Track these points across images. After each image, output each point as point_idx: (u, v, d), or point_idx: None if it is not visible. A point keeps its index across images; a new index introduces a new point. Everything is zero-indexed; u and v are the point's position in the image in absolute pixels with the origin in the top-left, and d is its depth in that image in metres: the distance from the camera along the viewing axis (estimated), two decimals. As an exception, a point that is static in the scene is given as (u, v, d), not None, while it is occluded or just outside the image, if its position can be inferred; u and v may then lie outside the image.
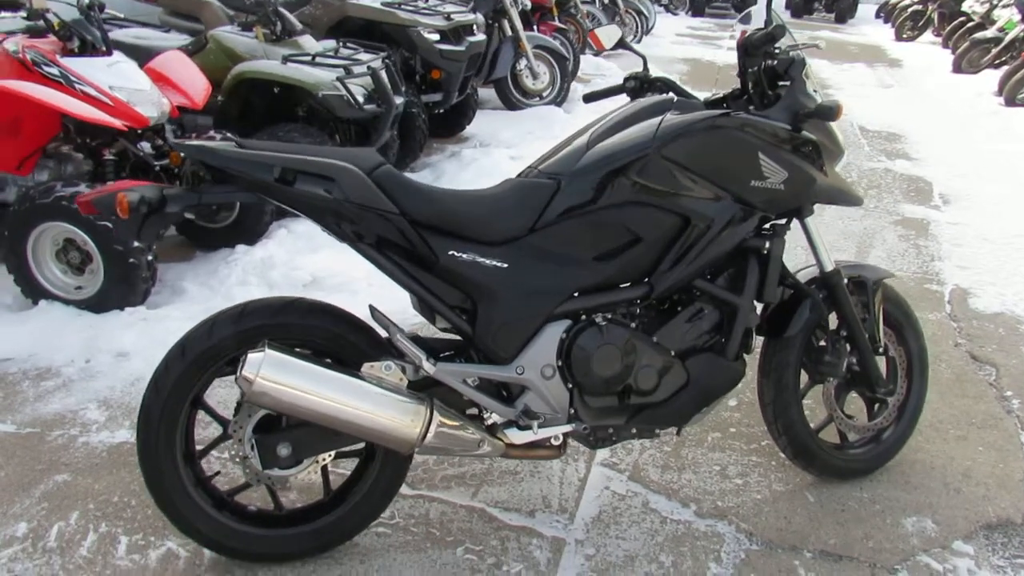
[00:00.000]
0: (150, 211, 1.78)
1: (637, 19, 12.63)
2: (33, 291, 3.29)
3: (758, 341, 2.28)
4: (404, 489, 2.34)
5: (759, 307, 2.20)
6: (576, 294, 2.00)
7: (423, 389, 1.94)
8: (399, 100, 4.63)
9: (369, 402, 1.80)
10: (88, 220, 3.09)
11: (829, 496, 2.41)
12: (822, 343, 2.32)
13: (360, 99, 4.33)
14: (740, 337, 2.11)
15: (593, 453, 2.56)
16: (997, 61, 10.68)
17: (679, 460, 2.56)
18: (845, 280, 2.29)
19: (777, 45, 2.11)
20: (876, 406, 2.49)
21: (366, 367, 1.87)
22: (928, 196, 5.68)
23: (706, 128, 1.98)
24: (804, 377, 2.37)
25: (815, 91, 2.14)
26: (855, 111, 8.50)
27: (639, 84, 2.40)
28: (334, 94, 4.21)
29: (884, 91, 10.09)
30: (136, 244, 3.15)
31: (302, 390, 1.75)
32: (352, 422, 1.79)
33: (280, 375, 1.74)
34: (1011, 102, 8.82)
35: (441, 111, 6.15)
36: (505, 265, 1.94)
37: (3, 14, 3.73)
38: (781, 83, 2.18)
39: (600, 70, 9.90)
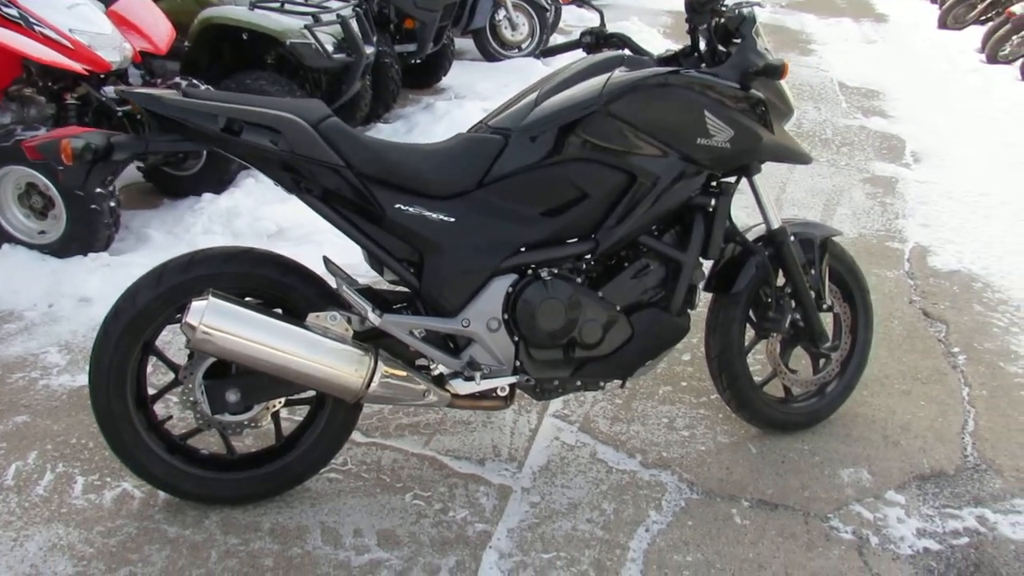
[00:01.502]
0: (95, 158, 1.78)
1: (623, -31, 12.42)
2: (-4, 236, 3.30)
3: (705, 297, 2.34)
4: (357, 437, 2.41)
5: (707, 264, 2.24)
6: (523, 249, 2.04)
7: (370, 340, 1.99)
8: (370, 50, 4.58)
9: (312, 351, 1.84)
10: (48, 165, 3.08)
11: (771, 448, 2.49)
12: (768, 299, 2.37)
13: (329, 48, 4.29)
14: (684, 293, 2.16)
15: (546, 405, 2.63)
16: (983, 17, 10.63)
17: (629, 412, 2.63)
18: (791, 238, 2.34)
19: (724, 2, 2.12)
20: (820, 361, 2.56)
21: (311, 317, 1.91)
22: (900, 154, 5.71)
23: (653, 85, 2.00)
24: (751, 333, 2.44)
25: (765, 49, 2.15)
26: (836, 67, 8.48)
27: (595, 40, 2.40)
28: (302, 42, 4.17)
29: (867, 47, 10.04)
30: (98, 190, 3.15)
31: (245, 338, 1.79)
32: (295, 370, 1.84)
33: (223, 323, 1.77)
34: (992, 59, 8.82)
35: (416, 62, 6.10)
36: (452, 219, 1.97)
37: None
38: (735, 40, 2.20)
39: (584, 21, 9.77)
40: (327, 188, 1.90)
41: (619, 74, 2.04)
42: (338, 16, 4.38)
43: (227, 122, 1.81)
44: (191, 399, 1.96)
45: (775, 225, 2.31)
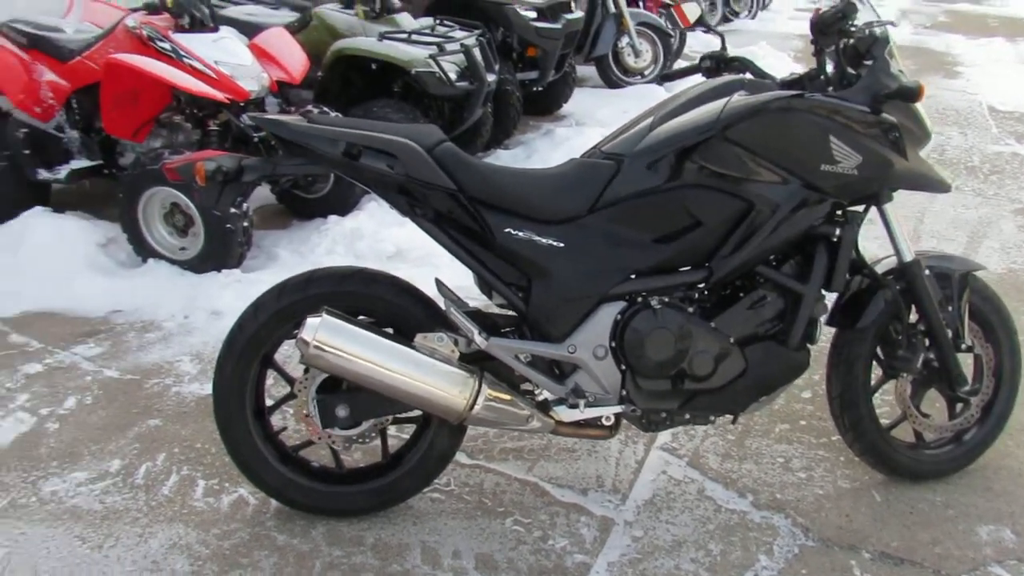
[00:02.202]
0: (226, 179, 1.89)
1: (754, -6, 12.18)
2: (143, 250, 3.56)
3: (828, 332, 2.21)
4: (462, 458, 2.42)
5: (830, 297, 2.13)
6: (633, 276, 2.00)
7: (476, 363, 2.00)
8: (491, 77, 4.67)
9: (418, 371, 1.87)
10: (188, 186, 3.31)
11: (898, 497, 2.32)
12: (898, 337, 2.22)
13: (452, 76, 4.40)
14: (803, 326, 2.05)
15: (654, 437, 2.56)
16: None
17: (742, 450, 2.52)
18: (926, 271, 2.18)
19: (852, 23, 2.02)
20: (957, 406, 2.37)
21: (419, 338, 1.94)
22: (1057, 186, 5.27)
23: (773, 110, 1.93)
24: (879, 372, 2.29)
25: (900, 71, 2.04)
26: (986, 90, 7.95)
27: (715, 64, 2.34)
28: (427, 71, 4.30)
29: (1023, 68, 9.36)
30: (233, 211, 3.35)
31: (354, 355, 1.83)
32: (401, 389, 1.87)
33: (334, 340, 1.83)
34: None
35: (538, 89, 6.16)
36: (561, 244, 1.96)
37: (123, -8, 4.00)
38: (865, 62, 2.09)
39: (709, 47, 9.59)
40: (439, 211, 1.93)
41: (738, 98, 1.98)
42: (462, 45, 4.50)
43: (346, 147, 1.88)
44: (304, 412, 2.03)
45: (908, 258, 2.17)
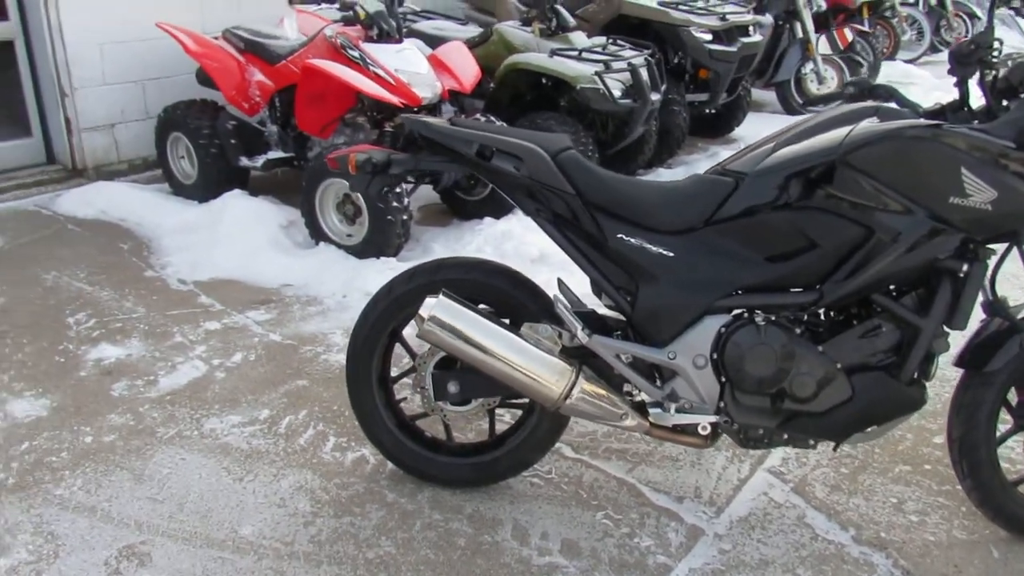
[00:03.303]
0: (375, 171, 2.14)
1: (968, 22, 11.34)
2: (317, 233, 3.97)
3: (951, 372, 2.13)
4: (566, 451, 2.54)
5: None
6: (740, 291, 2.04)
7: (579, 358, 2.11)
8: (655, 97, 4.75)
9: (519, 356, 2.02)
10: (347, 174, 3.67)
11: (1019, 557, 2.18)
12: (1033, 386, 2.10)
13: (616, 93, 4.53)
14: (918, 361, 2.00)
15: (761, 458, 2.55)
16: None
17: (853, 484, 2.45)
18: (1070, 320, 2.05)
19: (992, 54, 1.95)
20: (1100, 470, 2.19)
21: (525, 327, 2.09)
22: None
23: (899, 138, 1.90)
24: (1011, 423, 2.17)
25: (1053, 107, 1.94)
26: None
27: (859, 91, 2.32)
28: (591, 87, 4.46)
29: None
30: (395, 204, 3.67)
31: (462, 334, 2.01)
32: (502, 370, 2.02)
33: (446, 317, 2.02)
34: None
35: (710, 112, 6.14)
36: (672, 254, 2.04)
37: (323, 5, 4.46)
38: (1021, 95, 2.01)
39: (909, 77, 9.10)
40: (557, 213, 2.07)
41: (866, 125, 1.97)
42: (629, 64, 4.62)
43: (479, 148, 2.07)
44: (421, 385, 2.24)
45: (1046, 302, 2.05)
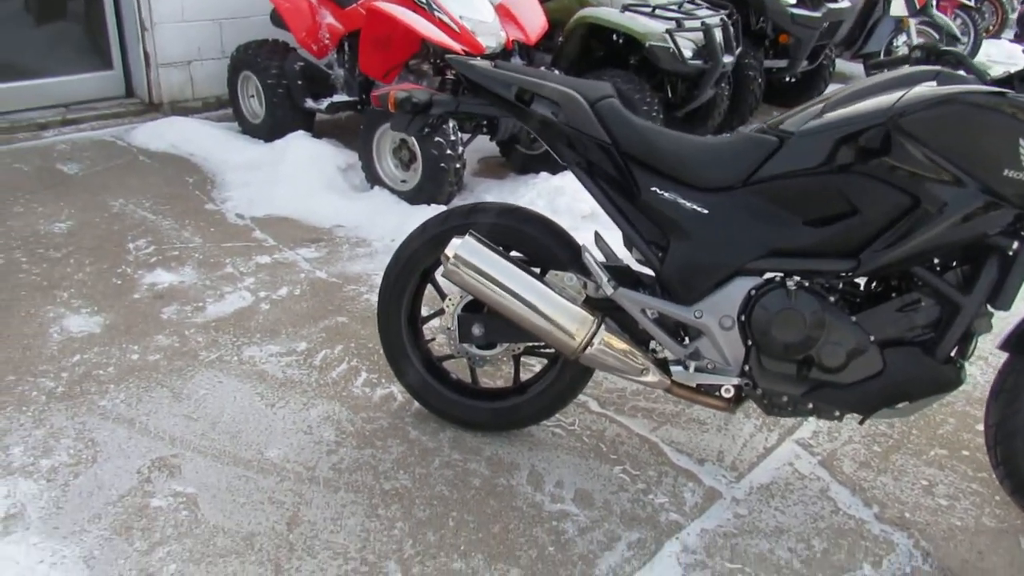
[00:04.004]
0: (415, 110, 2.15)
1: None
2: (372, 178, 4.03)
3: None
4: (592, 405, 2.55)
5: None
6: (774, 254, 1.99)
7: (605, 311, 2.10)
8: (728, 59, 4.61)
9: (541, 301, 2.01)
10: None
11: (1049, 549, 2.10)
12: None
13: (687, 53, 4.41)
14: (955, 340, 1.92)
15: (791, 429, 2.50)
16: None
17: (884, 462, 2.39)
18: None
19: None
20: None
21: (550, 274, 2.08)
22: None
23: (956, 103, 1.81)
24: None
25: None
26: None
27: (925, 56, 2.21)
28: (660, 45, 4.36)
29: None
30: (449, 152, 3.68)
31: (485, 275, 2.02)
32: (522, 315, 2.02)
33: (471, 258, 2.02)
34: None
35: (789, 79, 5.93)
36: (706, 211, 2.00)
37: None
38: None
39: (1012, 58, 8.58)
40: (591, 161, 2.05)
41: (921, 89, 1.88)
42: (703, 24, 4.48)
43: (518, 92, 2.05)
44: (447, 326, 2.26)
45: (1103, 286, 1.93)
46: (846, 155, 1.89)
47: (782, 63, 5.65)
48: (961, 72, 2.06)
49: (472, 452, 2.30)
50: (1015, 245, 1.87)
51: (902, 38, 6.86)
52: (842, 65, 7.16)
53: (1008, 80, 2.00)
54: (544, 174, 4.22)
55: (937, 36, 6.94)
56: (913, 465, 2.39)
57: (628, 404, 2.58)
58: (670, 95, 4.95)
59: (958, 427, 2.56)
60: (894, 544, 2.09)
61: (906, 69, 2.00)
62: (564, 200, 3.90)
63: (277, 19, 4.66)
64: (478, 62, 2.15)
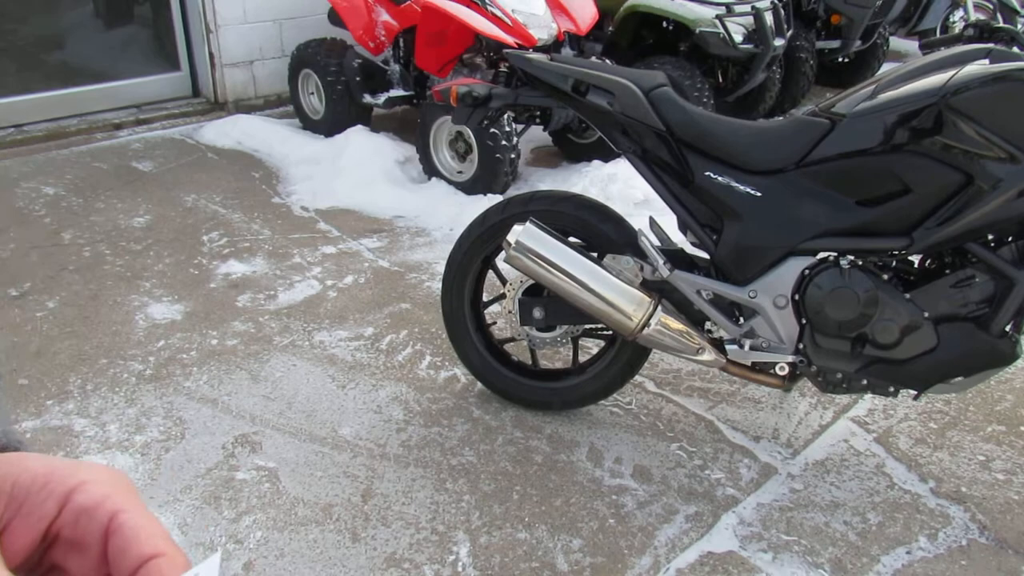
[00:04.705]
0: (475, 103, 2.25)
1: None
2: (430, 169, 4.15)
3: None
4: (649, 386, 2.62)
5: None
6: (828, 234, 2.04)
7: (661, 292, 2.17)
8: (779, 42, 4.60)
9: (599, 284, 2.10)
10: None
11: (1110, 524, 2.11)
12: None
13: (737, 38, 4.42)
14: (1011, 315, 1.95)
15: (846, 406, 2.55)
16: None
17: (940, 439, 2.42)
18: None
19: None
20: None
21: (608, 258, 2.17)
22: None
23: (1007, 80, 1.83)
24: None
25: None
26: None
27: (979, 33, 2.23)
28: (711, 31, 4.37)
29: None
30: (504, 143, 3.77)
31: (545, 259, 2.11)
32: (581, 297, 2.11)
33: (531, 244, 2.12)
34: None
35: (842, 60, 5.87)
36: (759, 194, 2.06)
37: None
38: None
39: (1079, 28, 8.26)
40: (646, 148, 2.12)
41: (974, 67, 1.90)
42: (752, 8, 4.48)
43: (574, 83, 2.14)
44: (508, 310, 2.37)
45: None
46: (898, 135, 1.93)
47: (835, 44, 5.59)
48: (1015, 49, 2.08)
49: (533, 430, 2.40)
50: (1070, 220, 1.89)
51: (959, 13, 6.70)
52: (896, 43, 7.02)
53: (1066, 56, 2.01)
54: (596, 162, 4.29)
55: (994, 8, 6.76)
56: (970, 441, 2.41)
57: (684, 384, 2.65)
58: (721, 80, 4.97)
59: (1016, 403, 2.57)
60: (950, 517, 2.13)
61: (958, 48, 2.02)
62: (616, 187, 3.96)
63: (335, 18, 4.81)
64: (534, 55, 2.24)
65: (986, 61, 1.94)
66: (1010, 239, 1.97)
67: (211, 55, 5.29)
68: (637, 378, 2.60)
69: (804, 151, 2.03)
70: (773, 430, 2.44)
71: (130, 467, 2.22)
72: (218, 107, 5.37)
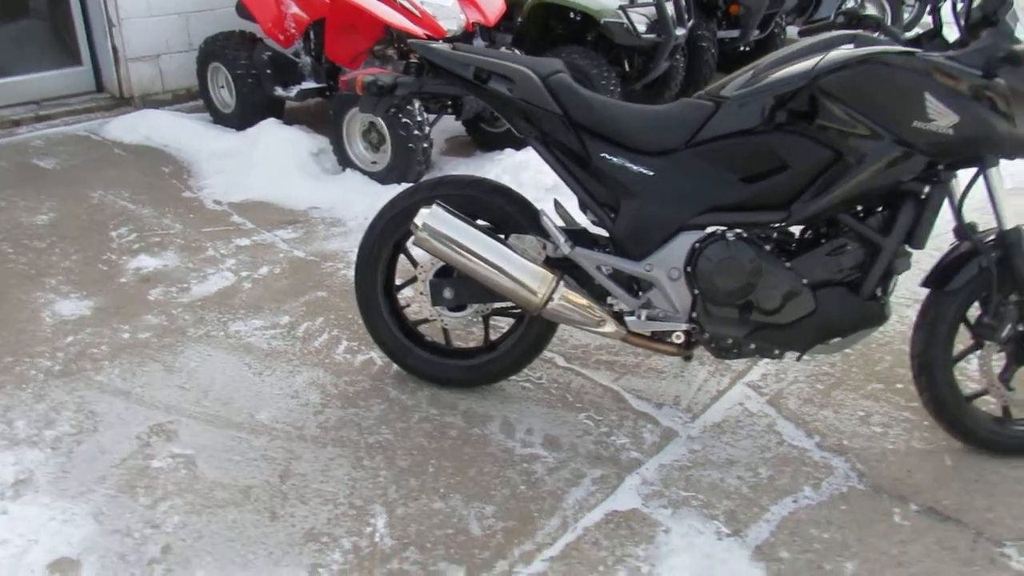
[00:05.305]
0: (381, 92, 2.31)
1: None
2: (343, 160, 4.18)
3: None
4: (559, 360, 2.74)
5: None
6: (715, 210, 2.18)
7: (564, 269, 2.29)
8: (680, 32, 4.79)
9: (504, 262, 2.20)
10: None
11: (970, 465, 2.32)
12: (987, 305, 2.21)
13: (641, 28, 4.59)
14: (878, 278, 2.13)
15: (742, 373, 2.72)
16: None
17: (826, 398, 2.61)
18: (1026, 242, 2.15)
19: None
20: (1054, 387, 2.31)
21: (512, 237, 2.27)
22: None
23: (868, 63, 2.01)
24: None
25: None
26: None
27: (848, 20, 2.41)
28: (615, 21, 4.53)
29: None
30: (416, 133, 3.84)
31: (452, 241, 2.20)
32: (487, 276, 2.21)
33: (438, 226, 2.20)
34: None
35: (743, 48, 6.12)
36: (651, 173, 2.19)
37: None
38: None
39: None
40: (546, 132, 2.23)
41: (840, 51, 2.07)
42: (654, -1, 4.66)
43: (475, 71, 2.23)
44: (420, 292, 2.44)
45: (1007, 225, 2.15)
46: (774, 116, 2.09)
47: (734, 33, 5.84)
48: (878, 35, 2.27)
49: (448, 407, 2.49)
50: (926, 189, 2.09)
51: (851, 3, 7.07)
52: (793, 32, 7.35)
53: (917, 40, 2.21)
54: (508, 150, 4.39)
55: (884, 2, 7.17)
56: (852, 399, 2.61)
57: (592, 358, 2.78)
58: (627, 69, 5.13)
59: (894, 363, 2.79)
60: (832, 468, 2.31)
61: (828, 33, 2.19)
62: (528, 174, 4.07)
63: (243, 10, 4.77)
64: (438, 45, 2.31)
65: (851, 46, 2.11)
66: (879, 209, 2.16)
67: (114, 49, 5.17)
68: (547, 354, 2.71)
69: (691, 132, 2.18)
70: (675, 397, 2.59)
71: (40, 461, 2.21)
72: (124, 102, 5.26)
